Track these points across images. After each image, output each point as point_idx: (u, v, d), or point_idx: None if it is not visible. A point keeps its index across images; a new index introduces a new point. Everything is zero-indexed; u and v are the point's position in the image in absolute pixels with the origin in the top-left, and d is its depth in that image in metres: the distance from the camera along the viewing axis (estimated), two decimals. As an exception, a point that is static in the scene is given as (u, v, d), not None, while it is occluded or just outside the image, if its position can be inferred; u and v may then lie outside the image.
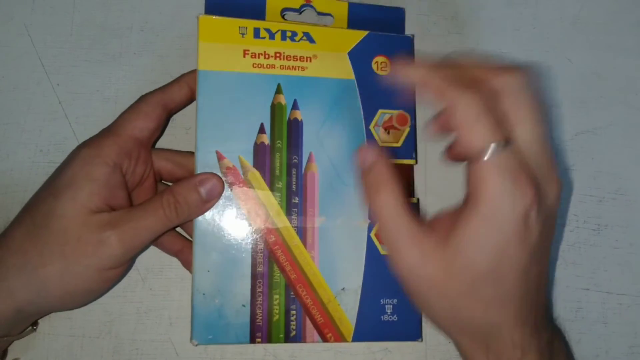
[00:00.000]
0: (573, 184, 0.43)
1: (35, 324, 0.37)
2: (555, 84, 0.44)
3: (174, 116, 0.40)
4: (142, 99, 0.36)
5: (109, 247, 0.32)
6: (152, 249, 0.39)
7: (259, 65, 0.37)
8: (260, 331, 0.36)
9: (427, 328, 0.39)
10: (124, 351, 0.37)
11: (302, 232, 0.37)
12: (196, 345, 0.35)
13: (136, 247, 0.33)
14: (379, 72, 0.39)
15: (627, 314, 0.42)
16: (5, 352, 0.36)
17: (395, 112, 0.39)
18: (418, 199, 0.40)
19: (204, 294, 0.35)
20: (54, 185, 0.33)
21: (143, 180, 0.37)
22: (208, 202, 0.35)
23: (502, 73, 0.30)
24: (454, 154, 0.36)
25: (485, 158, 0.28)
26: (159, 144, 0.40)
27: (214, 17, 0.37)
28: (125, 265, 0.34)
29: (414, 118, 0.40)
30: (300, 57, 0.38)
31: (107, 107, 0.40)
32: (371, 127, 0.39)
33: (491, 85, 0.29)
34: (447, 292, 0.30)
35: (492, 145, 0.27)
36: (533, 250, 0.29)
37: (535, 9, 0.45)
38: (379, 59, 0.39)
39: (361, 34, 0.39)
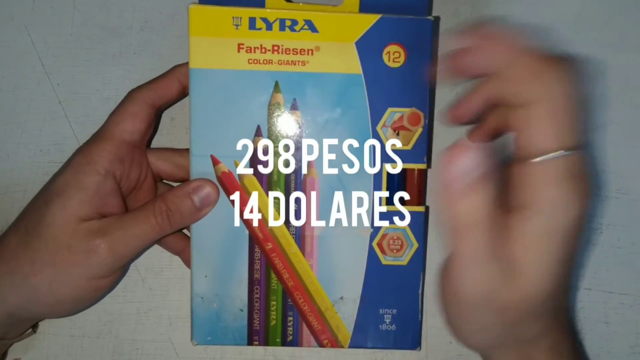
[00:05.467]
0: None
1: (35, 326, 0.37)
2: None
3: (174, 115, 0.40)
4: (130, 97, 0.35)
5: (98, 255, 0.32)
6: (153, 249, 0.39)
7: (255, 61, 0.34)
8: (257, 335, 0.36)
9: (427, 335, 0.39)
10: (123, 351, 0.38)
11: (300, 240, 0.36)
12: (196, 345, 0.35)
13: (127, 255, 0.33)
14: (391, 64, 0.35)
15: (629, 313, 0.41)
16: (5, 354, 0.36)
17: (407, 110, 0.35)
18: (427, 207, 0.37)
19: (202, 297, 0.35)
20: (47, 193, 0.33)
21: (140, 182, 0.36)
22: (202, 210, 0.34)
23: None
24: (480, 134, 0.34)
25: (546, 160, 0.26)
26: (160, 144, 0.40)
27: (206, 6, 0.34)
28: (117, 273, 0.34)
29: (428, 117, 0.35)
30: (301, 50, 0.35)
31: (107, 107, 0.40)
32: (378, 127, 0.35)
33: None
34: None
35: (560, 152, 0.26)
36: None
37: (537, 6, 0.45)
38: (392, 48, 0.35)
39: (372, 18, 0.34)
